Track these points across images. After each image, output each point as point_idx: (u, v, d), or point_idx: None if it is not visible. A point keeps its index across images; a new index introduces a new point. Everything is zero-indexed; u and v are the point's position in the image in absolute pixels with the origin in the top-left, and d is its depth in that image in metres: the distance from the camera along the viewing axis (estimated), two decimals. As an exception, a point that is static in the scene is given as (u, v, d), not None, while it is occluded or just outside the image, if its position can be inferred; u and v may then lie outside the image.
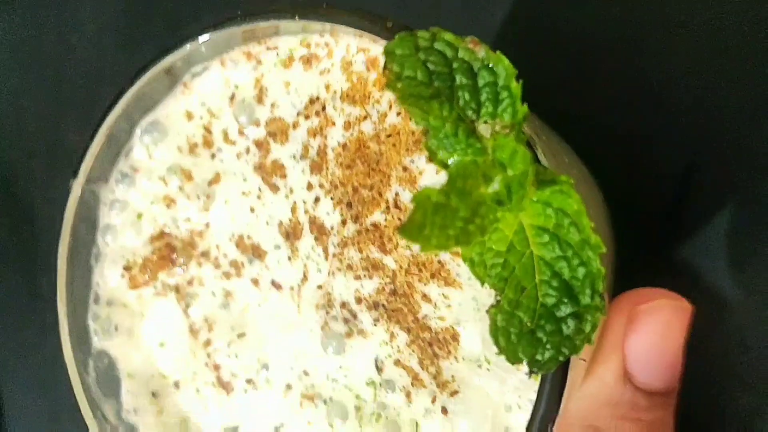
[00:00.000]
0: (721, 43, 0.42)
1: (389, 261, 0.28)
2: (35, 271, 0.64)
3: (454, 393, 0.27)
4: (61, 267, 0.32)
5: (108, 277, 0.33)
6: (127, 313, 0.33)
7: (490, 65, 0.23)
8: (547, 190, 0.23)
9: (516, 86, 0.23)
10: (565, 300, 0.23)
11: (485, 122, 0.23)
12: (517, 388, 0.26)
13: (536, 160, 0.24)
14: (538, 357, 0.23)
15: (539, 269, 0.23)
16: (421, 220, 0.21)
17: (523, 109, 0.23)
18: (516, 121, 0.23)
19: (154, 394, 0.33)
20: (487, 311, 0.23)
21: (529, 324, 0.23)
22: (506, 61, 0.23)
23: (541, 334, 0.23)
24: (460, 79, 0.23)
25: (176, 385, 0.33)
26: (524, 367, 0.23)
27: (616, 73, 0.48)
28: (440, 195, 0.22)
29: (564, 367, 0.24)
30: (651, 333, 0.27)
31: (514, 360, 0.23)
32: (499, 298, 0.23)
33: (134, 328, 0.33)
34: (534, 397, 0.25)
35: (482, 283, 0.24)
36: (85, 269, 0.33)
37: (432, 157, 0.24)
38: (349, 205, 0.29)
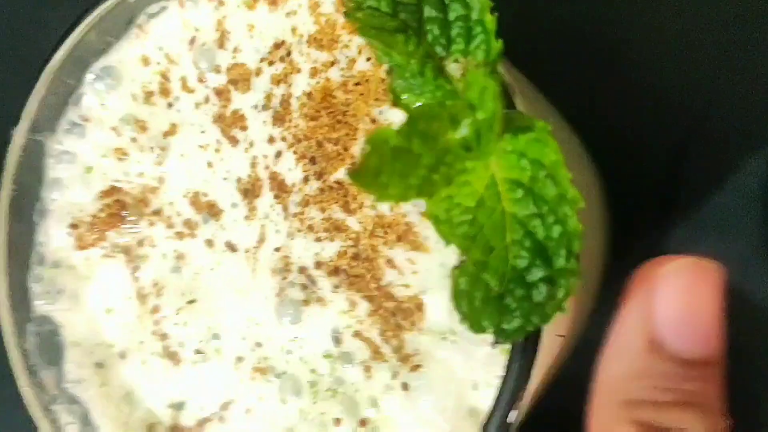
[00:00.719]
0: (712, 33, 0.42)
1: (353, 222, 0.26)
2: None
3: (416, 367, 0.25)
4: (0, 224, 0.29)
5: (53, 236, 0.30)
6: (73, 275, 0.31)
7: (464, -3, 0.20)
8: (522, 138, 0.20)
9: (491, 20, 0.20)
10: (538, 262, 0.20)
11: (456, 60, 0.21)
12: (484, 364, 0.24)
13: (511, 105, 0.21)
14: (505, 325, 0.20)
15: (511, 228, 0.21)
16: (376, 166, 0.19)
17: (498, 45, 0.20)
18: (490, 59, 0.20)
19: (98, 365, 0.30)
20: (450, 273, 0.21)
21: (496, 288, 0.20)
22: (482, -8, 0.20)
23: (509, 300, 0.20)
24: (429, 11, 0.21)
25: (122, 355, 0.30)
26: (489, 337, 0.20)
27: (608, 58, 0.47)
28: (400, 138, 0.19)
29: (535, 339, 0.21)
30: (677, 294, 0.24)
31: (477, 328, 0.20)
32: (464, 258, 0.21)
33: (80, 292, 0.31)
34: (502, 373, 0.22)
35: (447, 243, 0.21)
36: (27, 227, 0.30)
37: (396, 101, 0.21)
38: (313, 160, 0.27)
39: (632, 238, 0.47)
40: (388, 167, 0.19)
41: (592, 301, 0.42)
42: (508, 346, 0.22)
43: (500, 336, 0.20)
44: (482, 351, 0.24)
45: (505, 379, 0.21)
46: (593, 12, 0.47)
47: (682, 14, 0.45)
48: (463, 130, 0.20)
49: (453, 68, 0.21)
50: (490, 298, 0.20)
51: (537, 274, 0.20)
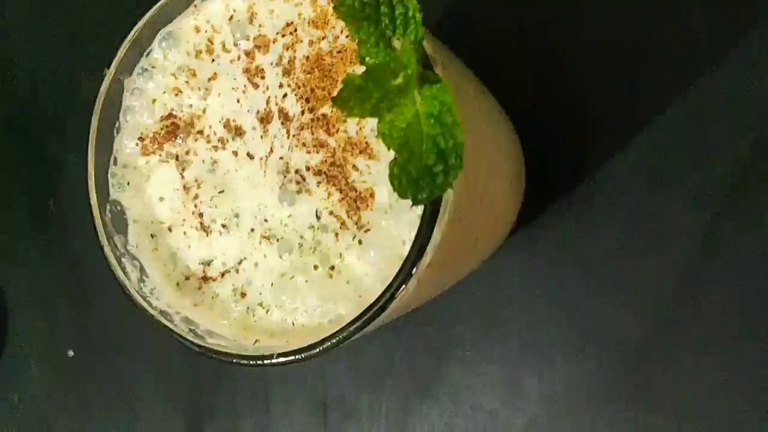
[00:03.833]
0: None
1: (332, 141, 0.40)
2: (44, 196, 0.76)
3: (367, 231, 0.39)
4: (92, 135, 0.43)
5: (125, 146, 0.44)
6: (137, 173, 0.44)
7: (404, 2, 0.34)
8: (435, 87, 0.34)
9: (419, 17, 0.34)
10: (440, 161, 0.34)
11: (398, 38, 0.35)
12: (408, 225, 0.38)
13: (431, 68, 0.35)
14: (419, 196, 0.34)
15: (426, 141, 0.35)
16: (347, 96, 0.33)
17: (421, 31, 0.34)
18: (418, 39, 0.34)
19: (152, 236, 0.44)
20: (389, 164, 0.35)
21: (415, 175, 0.34)
22: (414, 0, 0.34)
23: (421, 182, 0.34)
24: (383, 8, 0.34)
25: (169, 229, 0.44)
26: (410, 202, 0.35)
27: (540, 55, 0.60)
28: (361, 80, 0.33)
29: (436, 208, 0.35)
30: None
31: (403, 196, 0.34)
32: (397, 157, 0.35)
33: (142, 185, 0.44)
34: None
35: (388, 149, 0.35)
36: (108, 139, 0.44)
37: (362, 61, 0.35)
38: (307, 100, 0.40)
39: (546, 191, 0.61)
40: (354, 97, 0.33)
41: (508, 225, 0.56)
42: (420, 211, 0.36)
43: (416, 201, 0.34)
44: (407, 217, 0.38)
45: (418, 233, 0.36)
46: (531, 19, 0.61)
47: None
48: (399, 79, 0.34)
49: (396, 43, 0.35)
50: (411, 180, 0.34)
51: (439, 167, 0.34)
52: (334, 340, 0.37)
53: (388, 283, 0.36)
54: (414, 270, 0.36)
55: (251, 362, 0.39)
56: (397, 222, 0.38)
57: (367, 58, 0.35)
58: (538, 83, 0.60)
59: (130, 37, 0.42)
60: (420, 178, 0.34)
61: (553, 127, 0.61)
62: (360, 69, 0.38)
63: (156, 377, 0.74)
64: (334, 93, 0.39)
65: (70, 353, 0.80)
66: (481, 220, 0.43)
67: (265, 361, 0.38)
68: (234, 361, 0.40)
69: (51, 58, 0.76)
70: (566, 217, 0.60)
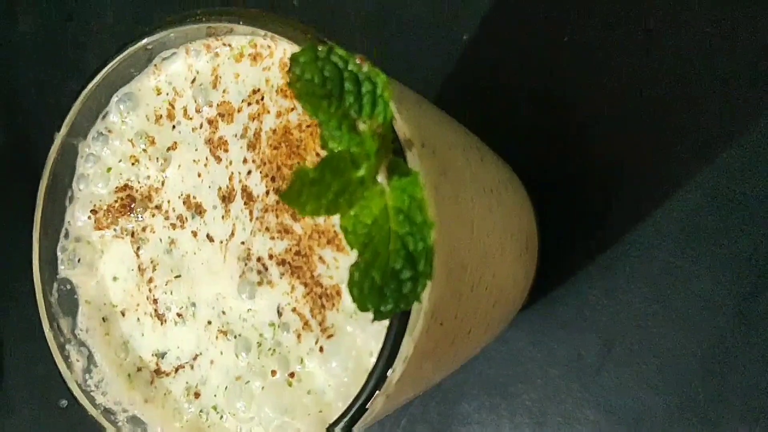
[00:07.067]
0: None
1: (297, 227, 0.35)
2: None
3: (330, 336, 0.33)
4: (39, 203, 0.39)
5: (77, 218, 0.40)
6: (90, 249, 0.40)
7: (371, 78, 0.29)
8: (404, 180, 0.29)
9: (388, 95, 0.29)
10: (408, 266, 0.29)
11: (364, 121, 0.29)
12: (375, 336, 0.32)
13: (402, 157, 0.30)
14: (382, 308, 0.29)
15: (393, 241, 0.29)
16: (298, 190, 0.28)
17: (390, 112, 0.29)
18: (386, 121, 0.29)
19: (104, 319, 0.40)
20: (349, 268, 0.29)
21: (379, 282, 0.29)
22: (383, 76, 0.29)
23: (386, 290, 0.29)
24: (347, 85, 0.29)
25: (122, 313, 0.39)
26: (371, 315, 0.29)
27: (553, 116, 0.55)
28: (315, 172, 0.28)
29: (404, 321, 0.30)
30: None
31: (363, 308, 0.29)
32: (359, 259, 0.29)
33: (94, 262, 0.40)
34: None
35: (351, 248, 0.30)
36: (59, 208, 0.40)
37: (324, 145, 0.30)
38: (273, 179, 0.35)
39: (563, 261, 0.56)
40: (306, 191, 0.28)
41: (515, 304, 0.50)
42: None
43: (378, 315, 0.29)
44: (374, 327, 0.32)
45: (383, 347, 0.30)
46: (544, 77, 0.55)
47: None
48: (361, 171, 0.29)
49: (362, 126, 0.29)
50: (374, 288, 0.29)
51: (407, 274, 0.29)
52: (284, 466, 0.32)
53: (350, 400, 0.31)
54: (378, 391, 0.30)
55: (195, 481, 0.34)
56: (363, 330, 0.32)
57: (329, 143, 0.30)
58: (551, 144, 0.55)
59: (82, 96, 0.38)
60: (384, 284, 0.29)
61: (569, 189, 0.55)
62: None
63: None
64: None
65: (63, 403, 0.76)
66: (473, 311, 0.38)
67: (209, 482, 0.33)
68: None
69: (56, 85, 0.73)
70: (585, 286, 0.54)
